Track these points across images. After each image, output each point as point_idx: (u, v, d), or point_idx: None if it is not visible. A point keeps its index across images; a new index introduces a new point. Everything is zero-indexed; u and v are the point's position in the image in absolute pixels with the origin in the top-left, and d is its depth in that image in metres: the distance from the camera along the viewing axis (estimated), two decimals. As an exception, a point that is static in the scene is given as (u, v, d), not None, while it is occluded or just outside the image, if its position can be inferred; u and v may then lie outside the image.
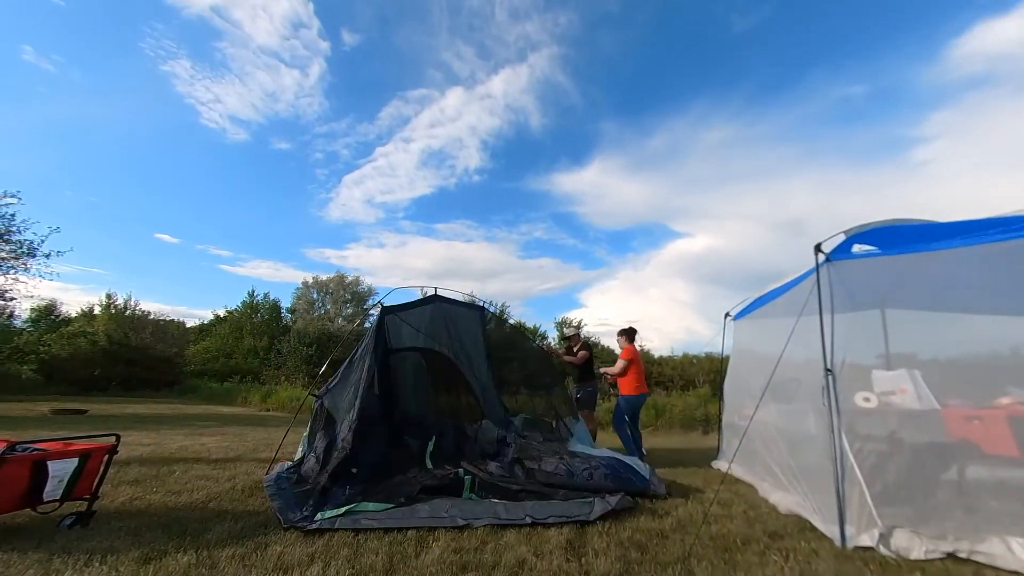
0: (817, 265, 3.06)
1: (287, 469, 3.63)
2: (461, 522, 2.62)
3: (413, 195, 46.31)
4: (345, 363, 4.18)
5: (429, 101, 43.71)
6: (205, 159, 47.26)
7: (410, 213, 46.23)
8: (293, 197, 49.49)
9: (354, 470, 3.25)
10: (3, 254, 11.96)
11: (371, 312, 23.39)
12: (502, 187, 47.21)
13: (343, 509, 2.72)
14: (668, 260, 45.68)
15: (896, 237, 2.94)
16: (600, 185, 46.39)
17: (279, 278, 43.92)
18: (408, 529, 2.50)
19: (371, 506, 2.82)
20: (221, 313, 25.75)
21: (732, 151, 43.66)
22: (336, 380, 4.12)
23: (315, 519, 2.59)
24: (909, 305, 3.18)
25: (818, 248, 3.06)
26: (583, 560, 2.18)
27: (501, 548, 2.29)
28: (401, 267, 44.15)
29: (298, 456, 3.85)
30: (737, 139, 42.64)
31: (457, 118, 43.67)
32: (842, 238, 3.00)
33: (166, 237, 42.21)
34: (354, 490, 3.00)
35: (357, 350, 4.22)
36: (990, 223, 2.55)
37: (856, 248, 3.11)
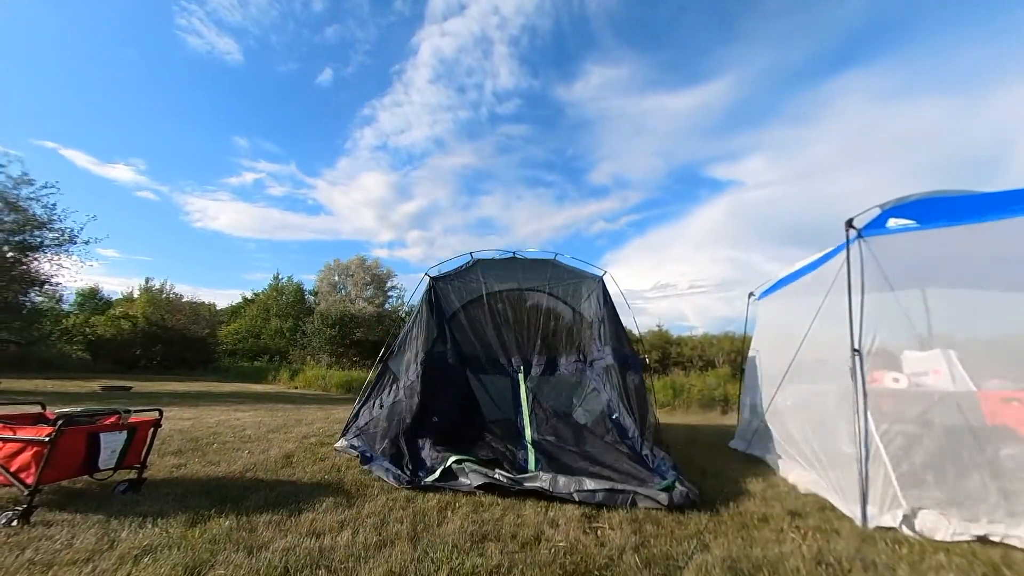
0: (848, 241, 2.93)
1: (356, 438, 3.81)
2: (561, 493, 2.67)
3: (434, 133, 41.15)
4: (404, 330, 4.34)
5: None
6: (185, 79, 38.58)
7: (430, 160, 42.04)
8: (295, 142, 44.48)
9: (435, 419, 3.52)
10: (48, 241, 12.67)
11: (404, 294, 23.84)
12: (532, 113, 39.66)
13: (448, 462, 2.95)
14: (722, 213, 38.61)
15: (937, 210, 2.77)
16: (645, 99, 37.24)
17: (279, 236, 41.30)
18: (459, 496, 2.62)
19: (469, 458, 2.97)
20: (249, 295, 26.80)
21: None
22: (397, 346, 4.29)
23: (421, 479, 2.90)
24: (948, 283, 3.02)
25: (849, 223, 2.92)
26: (599, 533, 2.24)
27: (519, 520, 2.38)
28: (415, 225, 41.87)
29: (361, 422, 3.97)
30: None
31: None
32: (876, 212, 2.84)
33: (79, 154, 34.85)
34: (439, 447, 3.24)
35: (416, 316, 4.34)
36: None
37: (892, 223, 2.94)
